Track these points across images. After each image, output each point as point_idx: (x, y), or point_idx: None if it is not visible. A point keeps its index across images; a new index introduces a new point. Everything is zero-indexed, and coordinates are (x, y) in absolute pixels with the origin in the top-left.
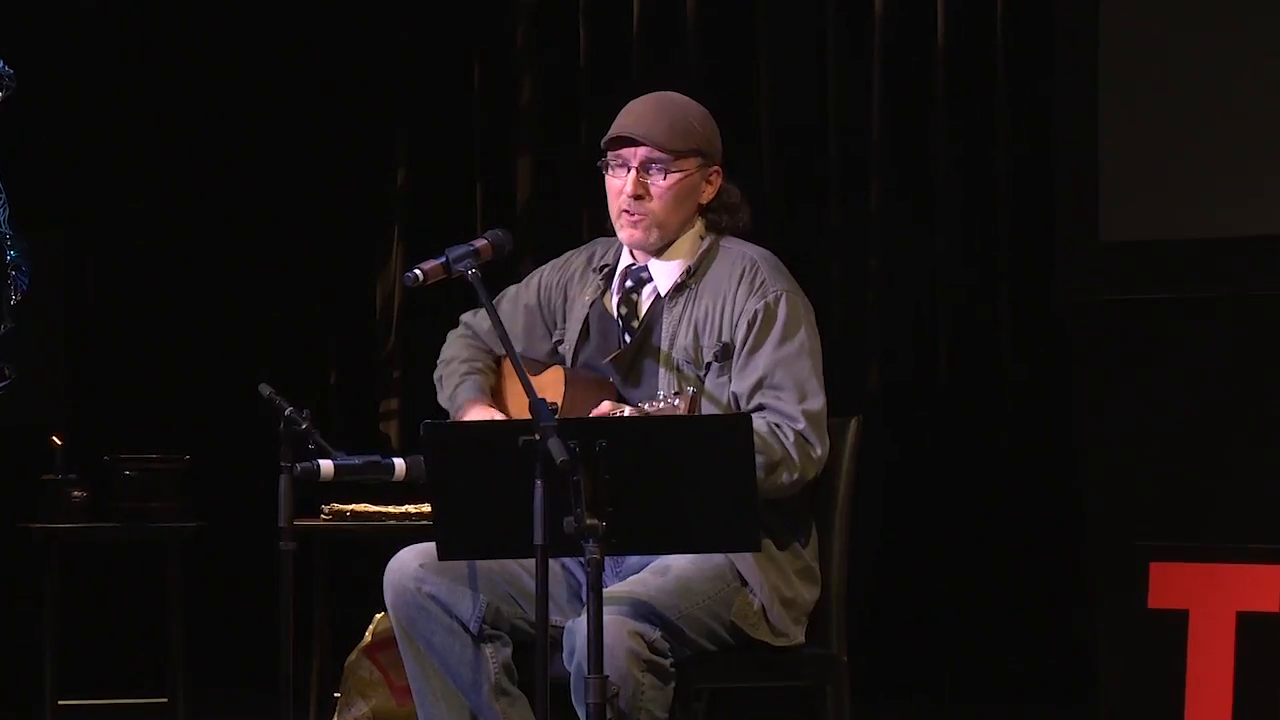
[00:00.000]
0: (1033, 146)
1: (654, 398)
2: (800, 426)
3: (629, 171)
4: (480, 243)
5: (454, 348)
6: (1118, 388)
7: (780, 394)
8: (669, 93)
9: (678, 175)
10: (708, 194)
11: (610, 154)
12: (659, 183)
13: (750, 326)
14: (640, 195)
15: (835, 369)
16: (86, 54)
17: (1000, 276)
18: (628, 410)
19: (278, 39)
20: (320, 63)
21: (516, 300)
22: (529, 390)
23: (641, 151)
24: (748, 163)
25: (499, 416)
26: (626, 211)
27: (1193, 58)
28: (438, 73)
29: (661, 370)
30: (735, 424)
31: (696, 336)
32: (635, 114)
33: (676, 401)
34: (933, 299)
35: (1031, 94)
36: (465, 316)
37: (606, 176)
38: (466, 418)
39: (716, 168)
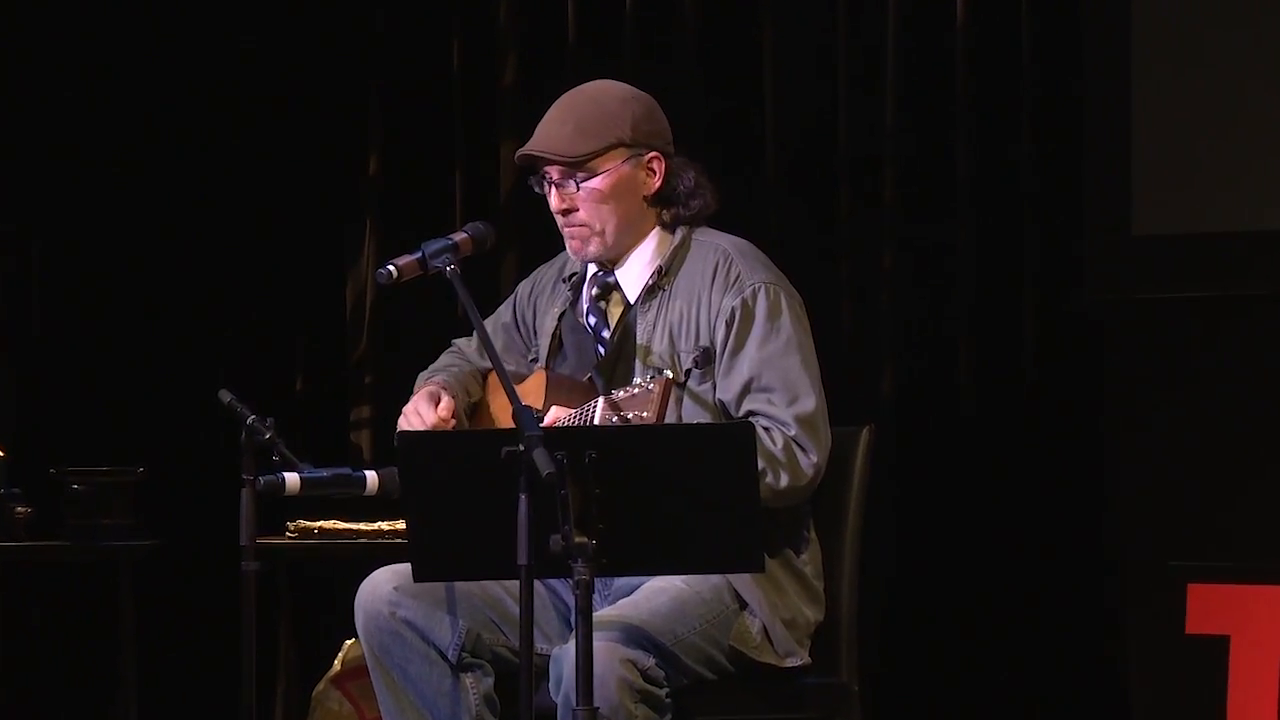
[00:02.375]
0: (1059, 132)
1: (627, 385)
2: (791, 432)
3: (551, 188)
4: (459, 236)
5: (439, 362)
6: (1152, 395)
7: (770, 397)
8: (586, 86)
9: (599, 178)
10: (652, 185)
11: (536, 172)
12: (579, 193)
13: (729, 326)
14: (567, 210)
15: (846, 374)
16: (33, 36)
17: (1024, 274)
18: (599, 412)
19: (237, 15)
20: (285, 40)
21: (498, 320)
22: (512, 397)
23: (554, 167)
24: (749, 151)
25: (445, 401)
26: (565, 228)
27: (1235, 32)
28: (413, 51)
29: (641, 376)
30: (737, 433)
31: (672, 342)
32: (543, 125)
33: (651, 386)
34: (951, 298)
35: (1058, 76)
36: (458, 341)
37: (543, 195)
38: (414, 398)
39: (654, 154)
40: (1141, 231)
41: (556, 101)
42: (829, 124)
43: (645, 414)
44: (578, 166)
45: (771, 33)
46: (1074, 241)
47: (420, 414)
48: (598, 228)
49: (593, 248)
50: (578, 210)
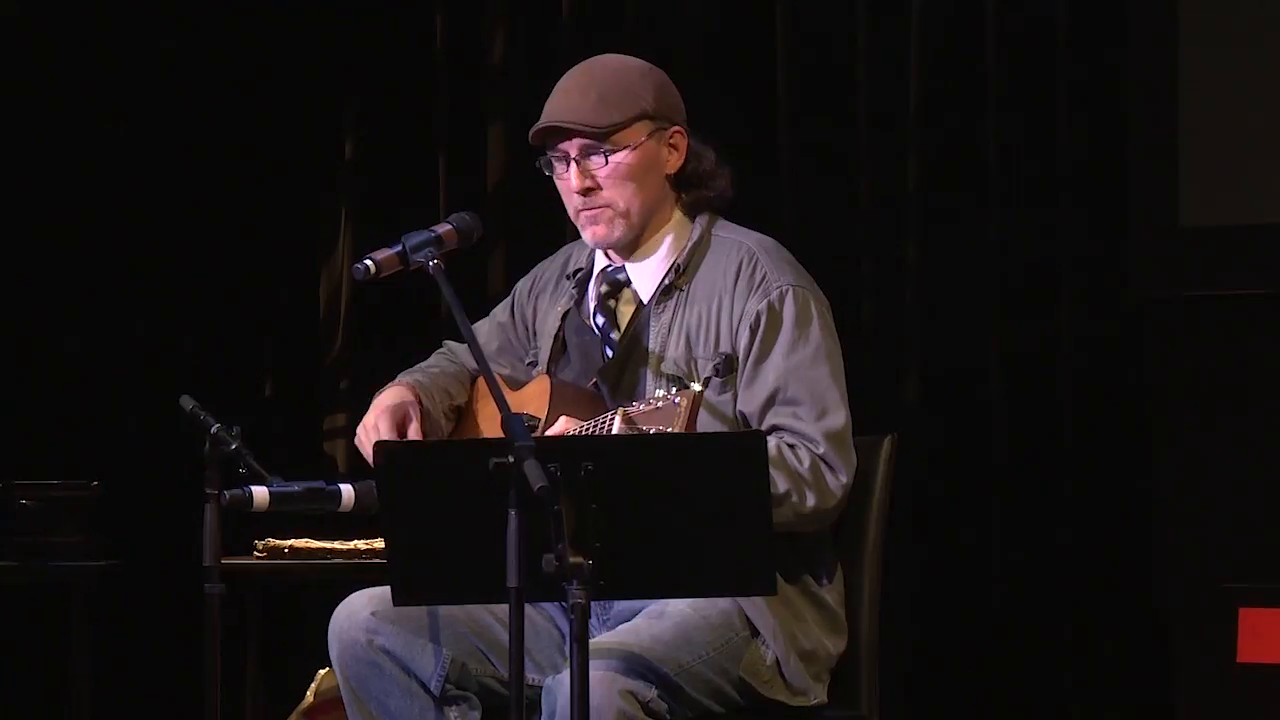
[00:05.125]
0: (1100, 112)
1: (646, 397)
2: (820, 450)
3: (570, 165)
4: (443, 228)
5: (425, 363)
6: (1203, 401)
7: (797, 410)
8: (599, 58)
9: (625, 152)
10: (673, 162)
11: (548, 150)
12: (605, 168)
13: (753, 332)
14: (590, 189)
15: (866, 379)
16: None
17: (1062, 269)
18: (616, 425)
19: None
20: (251, 13)
21: (494, 319)
22: (501, 404)
23: (575, 140)
24: (760, 132)
25: (414, 427)
26: (583, 210)
27: None
28: (393, 25)
29: (653, 386)
30: (747, 443)
31: (689, 347)
32: (559, 96)
33: (678, 400)
34: (981, 296)
35: (1101, 52)
36: (450, 342)
37: (554, 177)
38: (373, 410)
39: (677, 129)
40: (1190, 222)
41: (569, 73)
42: (848, 106)
43: (671, 429)
44: (603, 139)
45: (785, 5)
46: (1117, 233)
47: (381, 435)
48: (622, 208)
49: (619, 231)
50: (600, 190)
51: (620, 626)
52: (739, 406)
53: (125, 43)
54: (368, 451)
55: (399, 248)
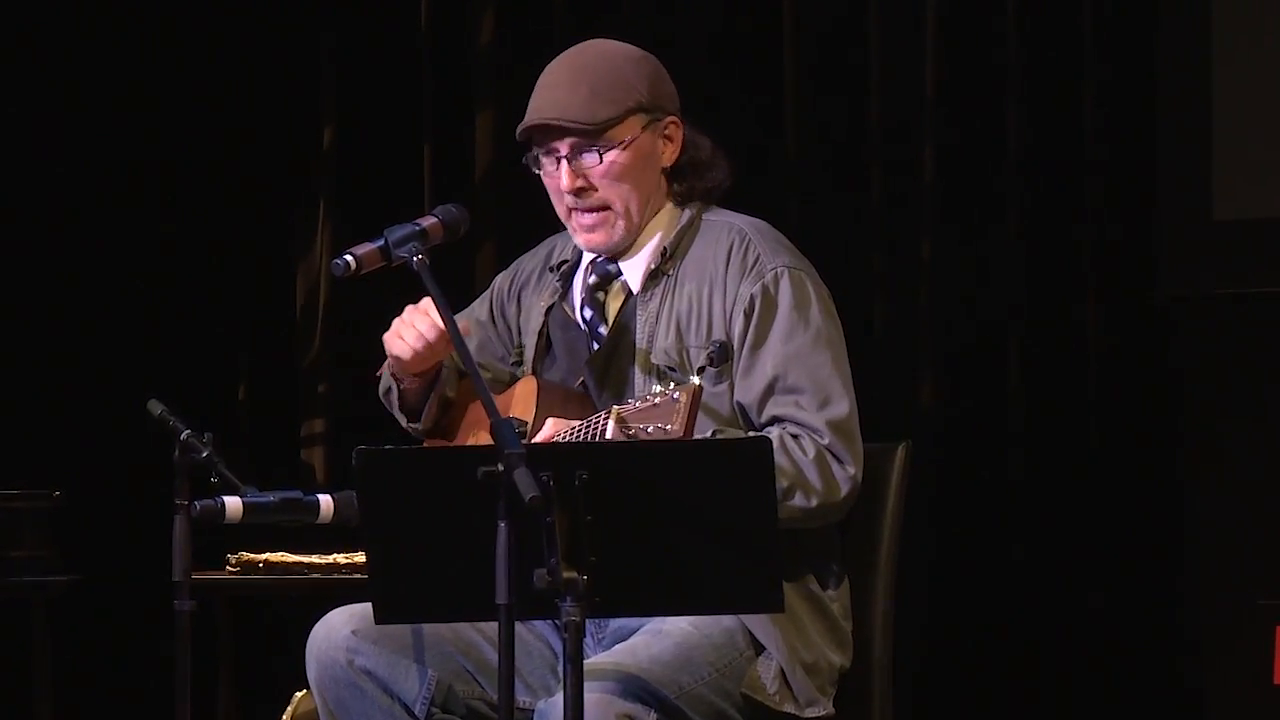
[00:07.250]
0: (1129, 98)
1: (639, 393)
2: (825, 440)
3: (560, 164)
4: (428, 221)
5: None
6: (1238, 405)
7: (798, 399)
8: (587, 45)
9: (620, 149)
10: (669, 153)
11: (536, 147)
12: (599, 166)
13: (748, 317)
14: (583, 188)
15: (879, 383)
16: None
17: (1088, 266)
18: (610, 425)
19: None
20: None
21: (470, 316)
22: (490, 408)
23: (567, 139)
24: (766, 122)
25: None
26: (576, 211)
27: None
28: (376, 4)
29: (642, 380)
30: (752, 450)
31: (680, 335)
32: (547, 90)
33: (677, 395)
34: (1001, 295)
35: (1128, 31)
36: None
37: (541, 175)
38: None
39: (672, 118)
40: (1225, 216)
41: (555, 64)
42: (859, 92)
43: (671, 427)
44: (596, 137)
45: None
46: (1146, 227)
47: (430, 315)
48: (619, 208)
49: (619, 234)
50: (595, 190)
51: (616, 646)
52: (736, 397)
53: (91, 24)
54: (403, 344)
55: (381, 242)
